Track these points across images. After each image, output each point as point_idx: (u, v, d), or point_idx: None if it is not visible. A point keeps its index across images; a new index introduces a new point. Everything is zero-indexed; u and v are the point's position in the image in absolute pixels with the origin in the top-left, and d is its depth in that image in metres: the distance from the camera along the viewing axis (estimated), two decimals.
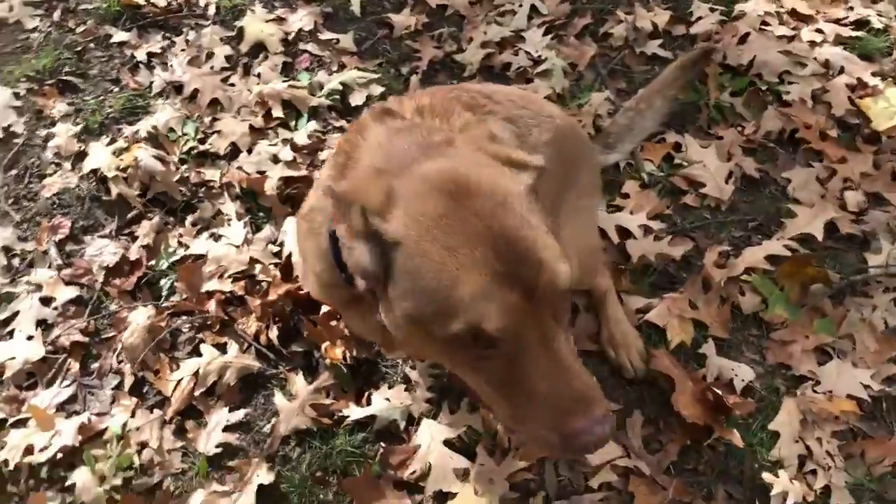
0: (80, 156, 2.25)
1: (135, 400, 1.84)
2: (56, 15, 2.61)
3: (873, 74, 2.34)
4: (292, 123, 2.32)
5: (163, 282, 2.03)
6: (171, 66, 2.46)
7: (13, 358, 1.89)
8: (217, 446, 1.77)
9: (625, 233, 2.04)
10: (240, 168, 2.20)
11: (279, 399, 1.81)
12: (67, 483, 1.72)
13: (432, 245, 0.91)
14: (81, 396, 1.86)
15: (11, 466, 1.74)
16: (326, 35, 2.54)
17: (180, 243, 2.08)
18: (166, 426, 1.81)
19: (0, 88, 2.40)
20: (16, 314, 1.97)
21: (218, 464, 1.76)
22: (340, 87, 2.37)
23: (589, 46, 2.48)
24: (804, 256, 1.96)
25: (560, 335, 0.96)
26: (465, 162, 1.00)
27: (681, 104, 2.28)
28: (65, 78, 2.43)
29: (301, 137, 2.25)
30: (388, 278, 0.96)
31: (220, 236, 2.08)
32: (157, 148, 2.23)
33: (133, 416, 1.82)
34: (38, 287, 2.00)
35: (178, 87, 2.41)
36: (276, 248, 2.06)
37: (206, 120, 2.33)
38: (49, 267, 2.04)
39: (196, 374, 1.85)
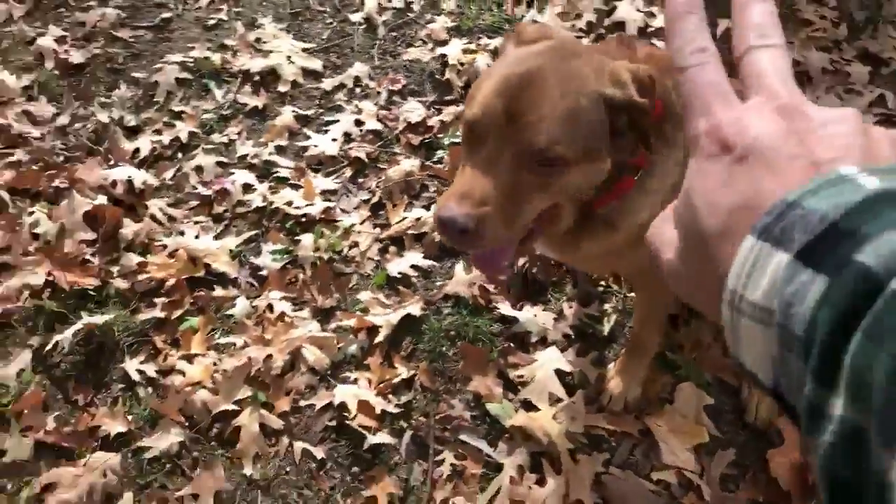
0: (441, 43, 2.78)
1: (369, 214, 2.32)
2: None
3: None
4: None
5: (439, 152, 2.47)
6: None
7: (317, 146, 2.48)
8: (399, 273, 2.17)
9: None
10: None
11: (459, 268, 2.15)
12: (296, 238, 2.26)
13: (494, 68, 1.23)
14: (341, 194, 2.39)
15: (273, 208, 2.33)
16: None
17: None
18: (376, 243, 2.26)
19: None
20: (336, 121, 2.55)
21: (392, 285, 2.16)
22: None
23: None
24: None
25: (501, 174, 1.16)
26: (581, 52, 1.22)
27: None
28: None
29: None
30: None
31: None
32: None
33: (362, 223, 2.30)
34: (359, 111, 2.57)
35: None
36: None
37: None
38: (374, 104, 2.60)
39: (417, 220, 2.26)
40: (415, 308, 2.08)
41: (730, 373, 1.93)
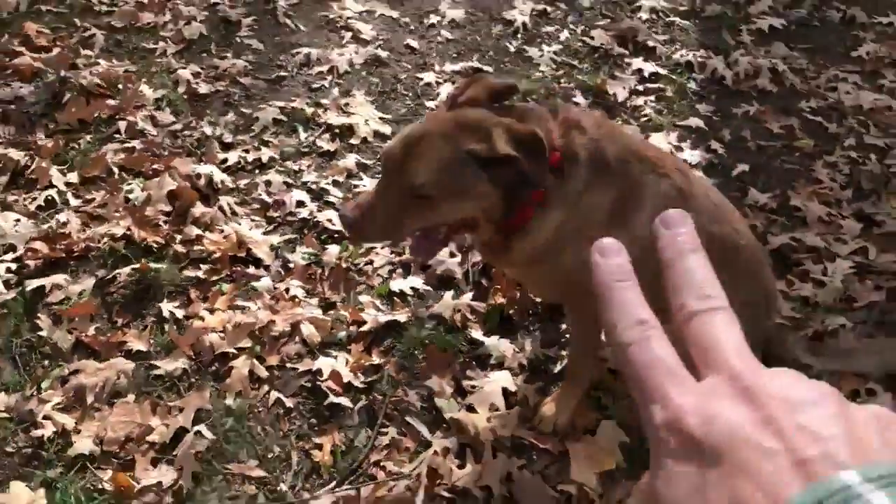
0: None
1: (390, 244, 2.75)
2: None
3: None
4: None
5: None
6: None
7: (366, 186, 2.97)
8: (399, 289, 2.55)
9: None
10: None
11: (448, 296, 2.53)
12: (325, 247, 2.71)
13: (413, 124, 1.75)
14: None
15: (315, 221, 2.80)
16: None
17: None
18: (389, 265, 2.67)
19: None
20: None
21: (390, 297, 2.55)
22: None
23: None
24: None
25: (388, 197, 1.66)
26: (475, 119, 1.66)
27: None
28: None
29: None
30: None
31: None
32: None
33: (381, 248, 2.73)
34: None
35: None
36: None
37: None
38: None
39: None
40: (402, 316, 2.45)
41: None
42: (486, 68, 3.64)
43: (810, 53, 3.82)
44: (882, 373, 2.28)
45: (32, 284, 2.49)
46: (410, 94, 3.50)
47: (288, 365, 2.33)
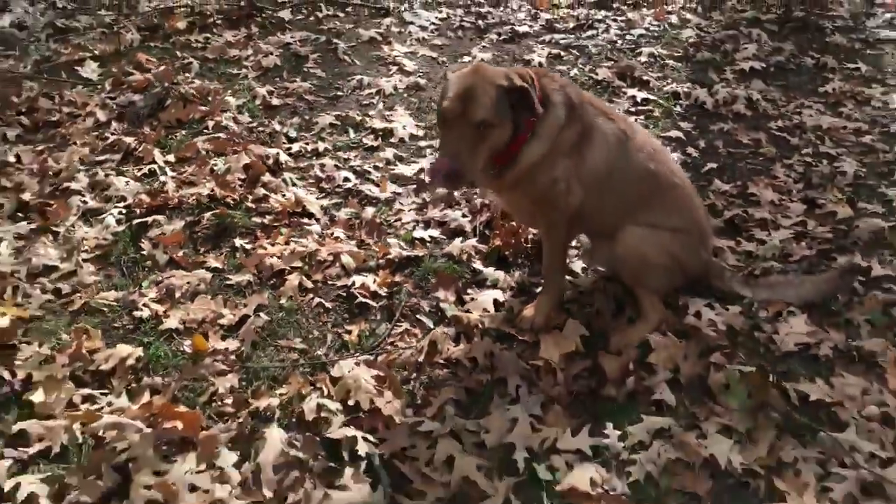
0: None
1: (416, 207, 3.44)
2: None
3: None
4: None
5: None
6: None
7: (400, 170, 3.69)
8: (419, 237, 3.22)
9: None
10: None
11: (458, 241, 3.18)
12: (365, 207, 3.40)
13: (449, 84, 2.35)
14: (404, 194, 3.54)
15: (357, 189, 3.52)
16: None
17: None
18: (414, 222, 3.35)
19: None
20: (418, 162, 3.77)
21: (412, 242, 3.21)
22: None
23: None
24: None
25: (464, 138, 2.25)
26: (490, 68, 2.36)
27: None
28: None
29: None
30: None
31: None
32: None
33: (409, 210, 3.41)
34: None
35: None
36: None
37: None
38: None
39: (443, 215, 3.35)
40: (420, 253, 3.11)
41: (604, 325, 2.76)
42: None
43: (783, 89, 4.48)
44: (800, 301, 2.82)
45: (138, 221, 3.24)
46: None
47: (329, 282, 2.99)
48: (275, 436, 2.28)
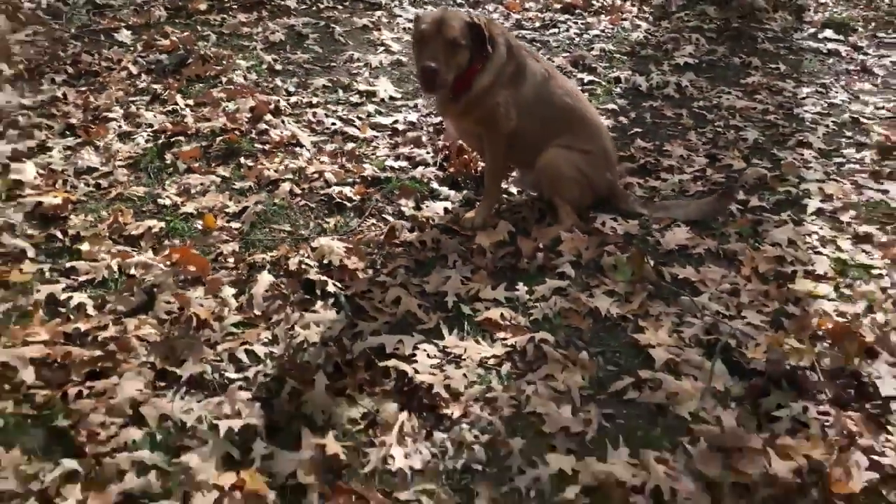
0: None
1: (390, 144, 4.20)
2: None
3: None
4: None
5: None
6: None
7: (378, 121, 4.46)
8: (389, 166, 3.98)
9: None
10: None
11: (420, 168, 3.94)
12: (346, 142, 4.17)
13: (424, 17, 3.28)
14: (382, 135, 4.31)
15: (342, 131, 4.29)
16: None
17: None
18: (388, 150, 4.11)
19: None
20: (395, 118, 4.55)
21: (385, 168, 3.97)
22: None
23: None
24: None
25: (440, 51, 3.03)
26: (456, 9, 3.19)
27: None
28: None
29: None
30: None
31: None
32: None
33: (383, 147, 4.18)
34: (405, 118, 4.56)
35: None
36: None
37: None
38: (417, 117, 4.59)
39: (412, 151, 4.12)
40: (391, 175, 3.87)
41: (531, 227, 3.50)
42: None
43: (710, 80, 5.30)
44: (687, 218, 3.58)
45: (162, 141, 4.00)
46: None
47: (314, 190, 3.74)
48: (265, 278, 3.01)
